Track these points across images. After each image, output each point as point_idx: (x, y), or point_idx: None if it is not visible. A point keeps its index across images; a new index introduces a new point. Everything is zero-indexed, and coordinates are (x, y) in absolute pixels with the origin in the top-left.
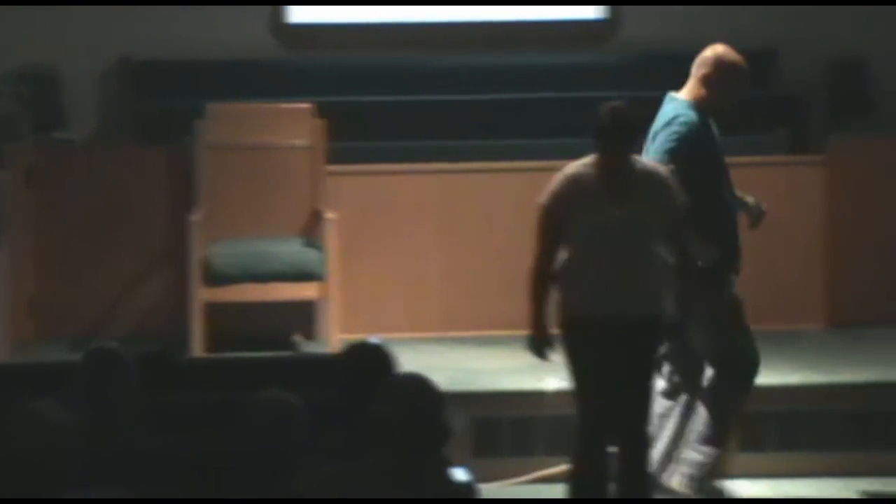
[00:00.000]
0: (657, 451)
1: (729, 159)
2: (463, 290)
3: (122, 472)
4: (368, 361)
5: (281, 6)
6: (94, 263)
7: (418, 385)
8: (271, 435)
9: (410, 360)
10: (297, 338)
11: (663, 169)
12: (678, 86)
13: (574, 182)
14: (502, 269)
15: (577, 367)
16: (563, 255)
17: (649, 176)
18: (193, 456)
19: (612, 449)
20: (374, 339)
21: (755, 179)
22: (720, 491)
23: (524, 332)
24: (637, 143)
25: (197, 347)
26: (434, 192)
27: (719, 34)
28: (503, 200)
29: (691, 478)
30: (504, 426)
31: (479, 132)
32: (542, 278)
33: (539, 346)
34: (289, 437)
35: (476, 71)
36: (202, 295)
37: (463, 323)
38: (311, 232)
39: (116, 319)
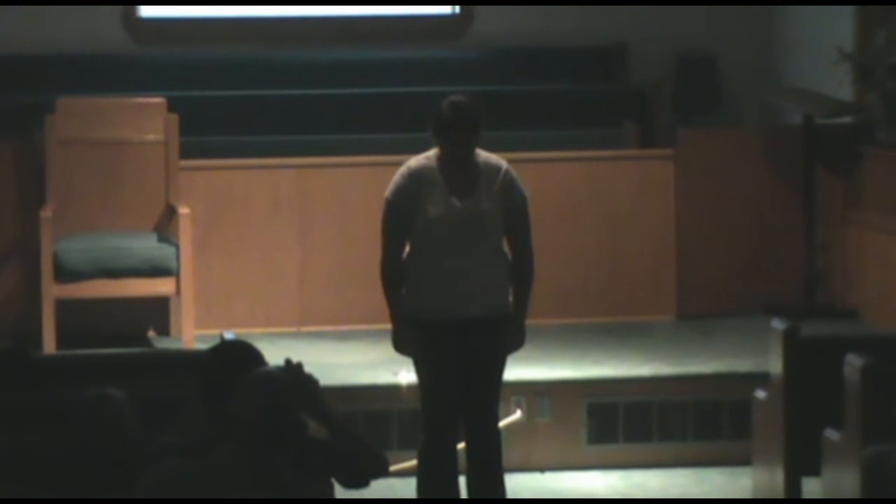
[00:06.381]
0: None
1: (579, 153)
2: (318, 285)
3: None
4: (234, 359)
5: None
6: None
7: (271, 381)
8: (93, 432)
9: (266, 355)
10: (152, 334)
11: (505, 163)
12: (530, 81)
13: (417, 175)
14: (358, 263)
15: (422, 365)
16: (409, 249)
17: (491, 170)
18: (22, 455)
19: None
20: (228, 333)
21: (605, 173)
22: None
23: (380, 327)
24: (478, 137)
25: (49, 344)
26: (289, 187)
27: (571, 29)
28: (359, 195)
29: None
30: (359, 420)
31: (334, 127)
32: (392, 274)
33: (398, 341)
34: (113, 435)
35: (330, 66)
36: (54, 291)
37: (319, 317)
38: (164, 227)
39: None
